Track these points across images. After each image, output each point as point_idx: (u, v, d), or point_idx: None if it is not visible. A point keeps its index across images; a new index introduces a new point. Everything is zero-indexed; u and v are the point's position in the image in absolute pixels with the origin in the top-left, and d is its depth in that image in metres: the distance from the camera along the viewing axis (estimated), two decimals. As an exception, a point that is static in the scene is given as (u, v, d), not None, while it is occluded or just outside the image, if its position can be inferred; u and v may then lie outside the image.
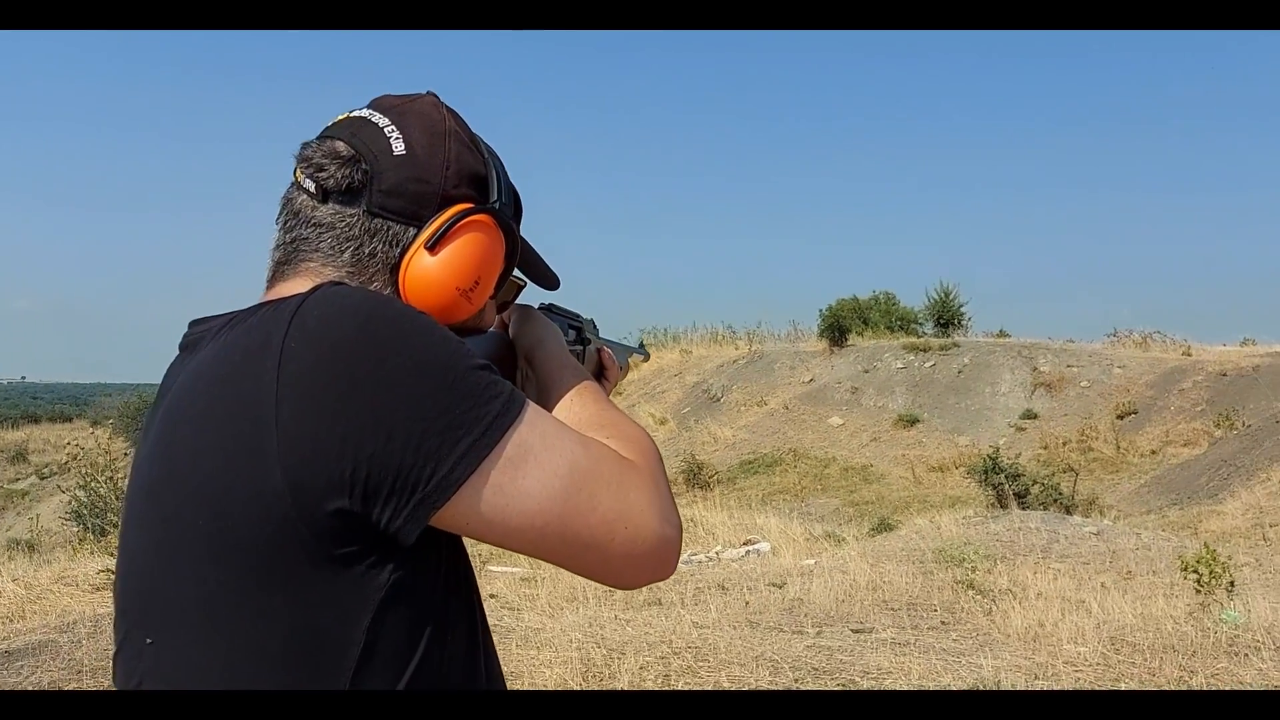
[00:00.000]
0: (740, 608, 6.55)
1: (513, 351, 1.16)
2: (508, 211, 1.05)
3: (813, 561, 8.41)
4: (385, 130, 0.98)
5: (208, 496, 0.82)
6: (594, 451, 0.91)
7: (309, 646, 0.82)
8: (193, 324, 0.98)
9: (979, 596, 6.60)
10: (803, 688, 4.76)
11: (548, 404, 1.06)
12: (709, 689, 4.74)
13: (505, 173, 1.07)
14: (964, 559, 7.45)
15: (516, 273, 1.13)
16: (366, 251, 0.97)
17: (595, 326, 1.38)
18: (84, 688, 4.72)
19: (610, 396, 1.22)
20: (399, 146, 0.97)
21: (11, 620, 6.21)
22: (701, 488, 17.49)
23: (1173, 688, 4.75)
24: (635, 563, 0.91)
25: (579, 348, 1.30)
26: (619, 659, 5.08)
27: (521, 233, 1.11)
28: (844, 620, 6.23)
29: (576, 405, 1.05)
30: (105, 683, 4.80)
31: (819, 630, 5.95)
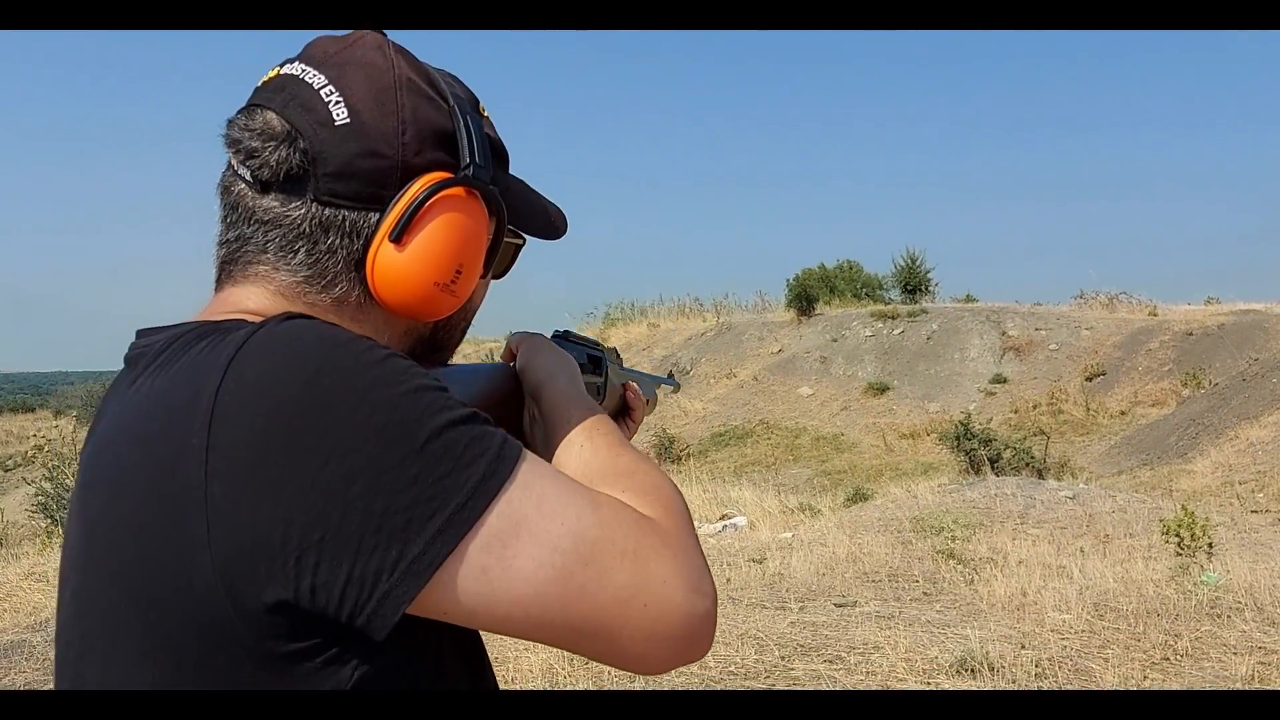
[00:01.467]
0: (721, 585, 6.47)
1: (519, 388, 1.01)
2: (485, 173, 0.85)
3: (790, 534, 8.36)
4: (323, 93, 0.80)
5: (128, 584, 0.68)
6: (605, 514, 0.74)
7: None
8: (139, 334, 0.82)
9: (960, 566, 6.57)
10: (789, 665, 4.70)
11: (553, 447, 0.91)
12: (694, 670, 4.67)
13: (476, 118, 0.87)
14: (943, 528, 7.43)
15: (512, 230, 0.96)
16: (323, 249, 0.81)
17: (618, 356, 1.21)
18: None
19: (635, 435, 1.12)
20: (340, 113, 0.80)
21: (-20, 619, 6.05)
22: (673, 461, 17.45)
23: (1159, 653, 4.73)
24: (658, 644, 0.73)
25: (597, 380, 1.14)
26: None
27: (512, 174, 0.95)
28: (826, 594, 6.18)
29: (587, 451, 0.88)
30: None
31: (802, 605, 5.89)
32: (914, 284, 25.15)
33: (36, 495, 17.39)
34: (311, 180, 0.80)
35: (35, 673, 4.86)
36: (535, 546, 0.70)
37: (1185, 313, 21.52)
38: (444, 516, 0.67)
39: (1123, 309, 22.48)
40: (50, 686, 4.57)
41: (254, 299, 0.81)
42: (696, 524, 9.65)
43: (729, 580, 6.59)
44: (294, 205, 0.80)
